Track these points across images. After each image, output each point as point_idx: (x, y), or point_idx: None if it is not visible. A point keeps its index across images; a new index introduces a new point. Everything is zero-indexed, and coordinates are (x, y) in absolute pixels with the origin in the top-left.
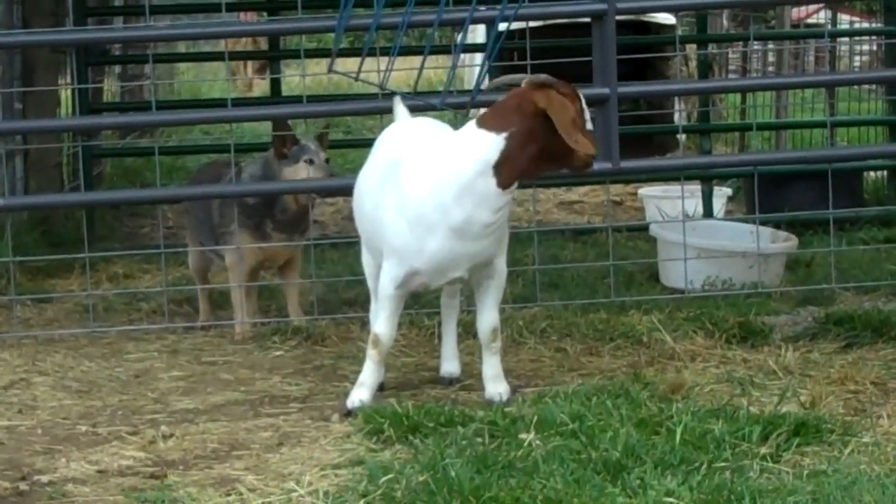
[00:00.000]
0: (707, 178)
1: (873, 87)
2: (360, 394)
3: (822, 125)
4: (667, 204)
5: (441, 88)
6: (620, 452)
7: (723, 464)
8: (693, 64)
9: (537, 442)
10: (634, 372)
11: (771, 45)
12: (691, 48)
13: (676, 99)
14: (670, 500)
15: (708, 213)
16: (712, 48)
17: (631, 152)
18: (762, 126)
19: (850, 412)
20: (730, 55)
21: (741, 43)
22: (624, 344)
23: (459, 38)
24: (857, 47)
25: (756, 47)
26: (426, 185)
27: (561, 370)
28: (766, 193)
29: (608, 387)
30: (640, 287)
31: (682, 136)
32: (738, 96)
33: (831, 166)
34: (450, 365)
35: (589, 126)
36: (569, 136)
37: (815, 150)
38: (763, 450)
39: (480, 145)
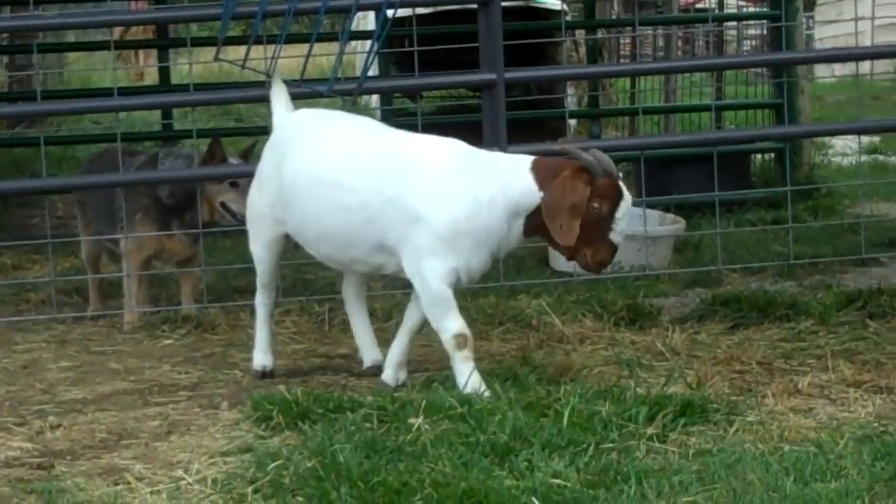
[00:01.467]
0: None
1: (760, 70)
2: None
3: (707, 108)
4: None
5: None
6: (508, 435)
7: (610, 445)
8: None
9: (426, 426)
10: (523, 355)
11: (660, 30)
12: (582, 34)
13: (567, 84)
14: (557, 481)
15: None
16: (602, 34)
17: (522, 137)
18: (648, 110)
19: (736, 392)
20: (621, 41)
21: (630, 28)
22: (513, 328)
23: (346, 24)
24: (746, 32)
25: (648, 32)
26: (467, 204)
27: None
28: (655, 177)
29: (497, 370)
30: (530, 271)
31: (572, 121)
32: (629, 81)
33: (717, 149)
34: (373, 353)
35: (615, 236)
36: (551, 219)
37: (703, 133)
38: (650, 430)
39: (523, 188)
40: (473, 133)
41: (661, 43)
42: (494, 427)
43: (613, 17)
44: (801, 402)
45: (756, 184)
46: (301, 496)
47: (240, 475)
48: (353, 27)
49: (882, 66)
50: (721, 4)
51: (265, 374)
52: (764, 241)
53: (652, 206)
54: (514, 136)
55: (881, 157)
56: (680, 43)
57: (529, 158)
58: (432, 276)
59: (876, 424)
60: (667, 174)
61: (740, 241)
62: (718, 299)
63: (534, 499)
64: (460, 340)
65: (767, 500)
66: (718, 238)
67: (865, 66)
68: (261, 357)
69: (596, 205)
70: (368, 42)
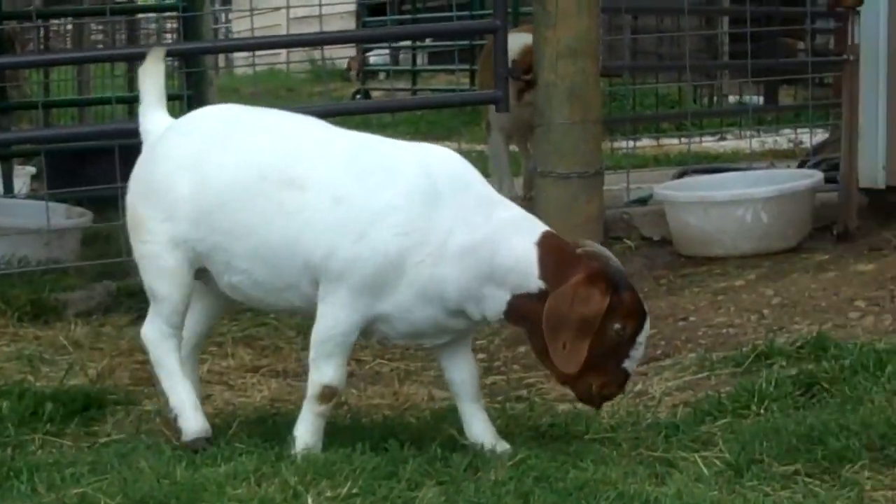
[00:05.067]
0: (6, 156)
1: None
2: None
3: (120, 101)
4: None
5: None
6: None
7: (5, 440)
8: None
9: None
10: None
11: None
12: None
13: None
14: None
15: (8, 190)
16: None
17: None
18: (51, 104)
19: (136, 382)
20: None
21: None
22: None
23: None
24: (166, 25)
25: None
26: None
27: None
28: (67, 170)
29: None
30: None
31: None
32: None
33: (119, 143)
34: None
35: (630, 365)
36: (552, 333)
37: (113, 125)
38: (48, 426)
39: (525, 269)
40: None
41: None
42: None
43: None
44: (202, 389)
45: None
46: None
47: None
48: None
49: (298, 58)
50: None
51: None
52: None
53: (63, 199)
54: None
55: None
56: (102, 36)
57: (540, 227)
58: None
59: (269, 407)
60: (80, 167)
61: None
62: (124, 291)
63: None
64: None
65: (157, 487)
66: (123, 230)
67: (283, 59)
68: (192, 423)
69: (618, 326)
70: None
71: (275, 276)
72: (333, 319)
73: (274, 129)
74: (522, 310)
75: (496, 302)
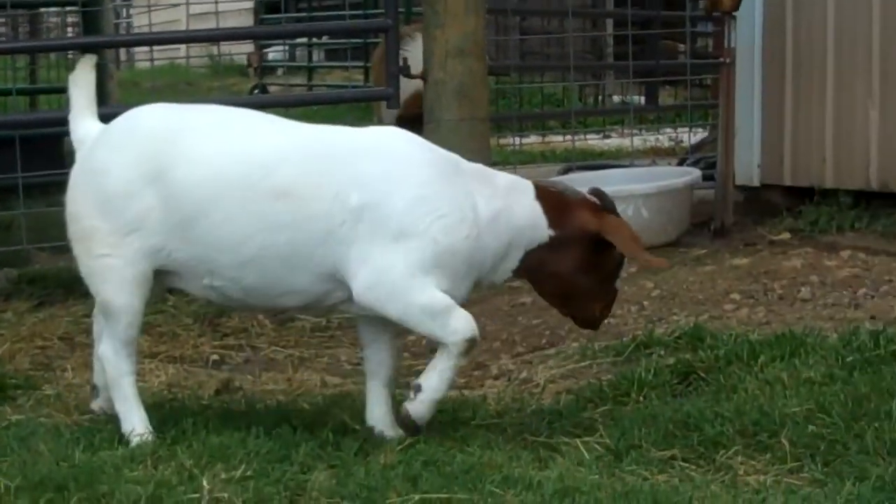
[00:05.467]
0: None
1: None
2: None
3: (9, 93)
4: None
5: None
6: None
7: None
8: None
9: None
10: None
11: None
12: None
13: None
14: None
15: None
16: None
17: None
18: None
19: (37, 367)
20: None
21: None
22: None
23: None
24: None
25: None
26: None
27: None
28: None
29: None
30: None
31: None
32: None
33: (18, 133)
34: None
35: (618, 283)
36: (635, 253)
37: (10, 115)
38: None
39: (538, 224)
40: None
41: None
42: None
43: None
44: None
45: (68, 165)
46: None
47: None
48: None
49: (197, 53)
50: None
51: None
52: None
53: None
54: None
55: None
56: (4, 29)
57: (529, 183)
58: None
59: (166, 392)
60: None
61: (51, 220)
62: (24, 277)
63: None
64: (470, 344)
65: (56, 469)
66: (24, 218)
67: (182, 54)
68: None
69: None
70: None
71: (273, 284)
72: (430, 298)
73: (235, 131)
74: (534, 262)
75: (512, 261)
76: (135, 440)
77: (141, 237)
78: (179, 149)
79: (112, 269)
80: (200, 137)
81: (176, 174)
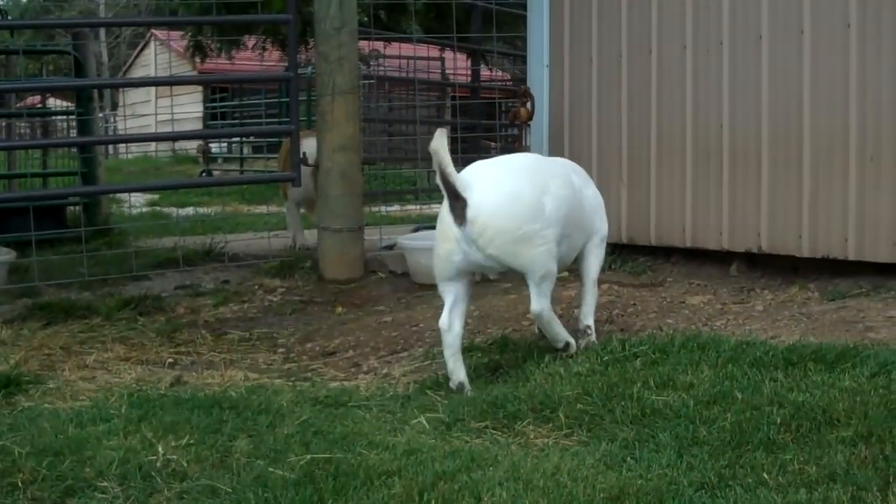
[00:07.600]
0: None
1: (73, 150)
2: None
3: (35, 175)
4: None
5: None
6: None
7: None
8: None
9: None
10: None
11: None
12: None
13: None
14: None
15: None
16: None
17: None
18: None
19: (44, 368)
20: None
21: None
22: None
23: None
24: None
25: None
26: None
27: None
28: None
29: None
30: None
31: None
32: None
33: (33, 204)
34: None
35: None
36: None
37: (33, 191)
38: None
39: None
40: None
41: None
42: None
43: None
44: (87, 374)
45: (70, 226)
46: None
47: None
48: None
49: (163, 147)
50: (45, 103)
51: None
52: (73, 264)
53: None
54: None
55: (158, 208)
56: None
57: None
58: (598, 263)
59: (135, 385)
60: (7, 219)
61: (57, 265)
62: (36, 305)
63: None
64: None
65: (55, 440)
66: (36, 264)
67: (152, 148)
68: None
69: None
70: None
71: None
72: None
73: (547, 172)
74: None
75: None
76: (571, 350)
77: (554, 230)
78: (541, 177)
79: (549, 252)
80: (544, 172)
81: (550, 193)
